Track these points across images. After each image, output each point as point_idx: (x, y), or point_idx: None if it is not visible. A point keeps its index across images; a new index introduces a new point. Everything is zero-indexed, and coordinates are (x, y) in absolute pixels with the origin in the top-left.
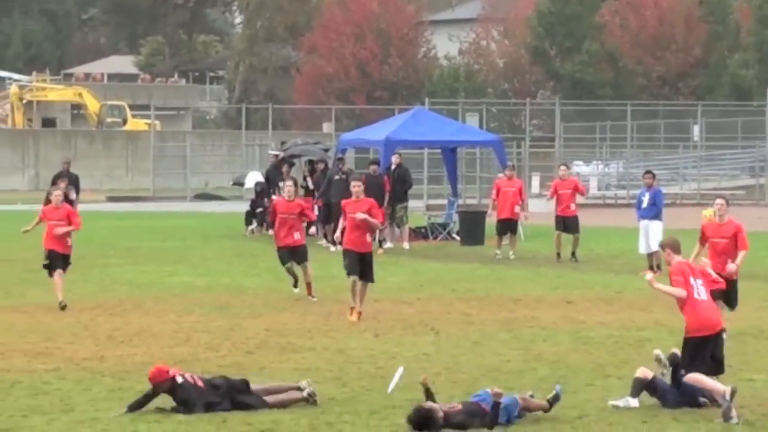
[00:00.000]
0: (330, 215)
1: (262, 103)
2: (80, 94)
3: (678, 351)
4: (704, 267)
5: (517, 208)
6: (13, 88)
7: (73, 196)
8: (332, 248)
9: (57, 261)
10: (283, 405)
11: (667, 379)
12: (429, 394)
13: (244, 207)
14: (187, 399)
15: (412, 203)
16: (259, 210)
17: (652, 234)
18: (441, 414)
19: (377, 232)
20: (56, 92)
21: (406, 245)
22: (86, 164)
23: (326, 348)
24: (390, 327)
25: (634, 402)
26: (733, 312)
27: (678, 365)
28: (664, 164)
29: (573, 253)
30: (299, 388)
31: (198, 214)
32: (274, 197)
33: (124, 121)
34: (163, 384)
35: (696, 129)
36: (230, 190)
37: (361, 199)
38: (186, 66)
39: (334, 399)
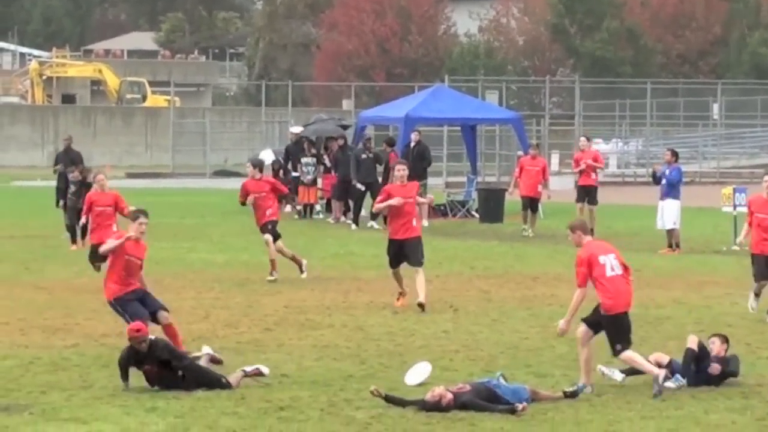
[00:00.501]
0: (346, 192)
1: (281, 80)
2: (100, 71)
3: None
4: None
5: (540, 187)
6: (33, 65)
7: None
8: (353, 227)
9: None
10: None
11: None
12: (389, 398)
13: None
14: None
15: (431, 180)
16: None
17: (666, 212)
18: (450, 397)
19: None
20: (76, 68)
21: (425, 222)
22: (106, 140)
23: (345, 325)
24: (409, 304)
25: (619, 376)
26: None
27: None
28: (684, 142)
29: (591, 230)
30: (198, 358)
31: (217, 191)
32: (294, 174)
33: (144, 98)
34: (139, 339)
35: (715, 107)
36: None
37: (406, 184)
38: (206, 42)
39: (353, 376)
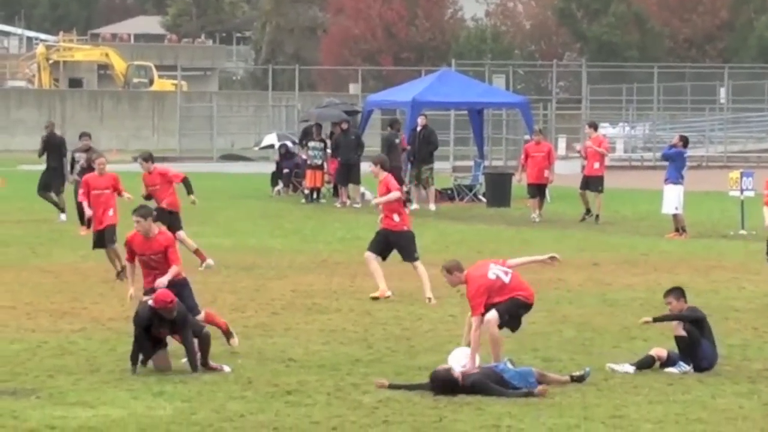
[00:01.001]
0: (348, 175)
1: (288, 64)
2: (107, 55)
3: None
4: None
5: (546, 173)
6: (40, 48)
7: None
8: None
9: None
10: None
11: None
12: (394, 386)
13: (270, 168)
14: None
15: (438, 165)
16: (285, 171)
17: (666, 197)
18: (458, 373)
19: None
20: (83, 52)
21: (432, 206)
22: (113, 124)
23: (352, 309)
24: (416, 288)
25: (630, 369)
26: None
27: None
28: (691, 127)
29: (596, 216)
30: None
31: (224, 175)
32: (303, 156)
33: (151, 82)
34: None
35: (722, 91)
36: (256, 151)
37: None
38: (213, 26)
39: (360, 360)
